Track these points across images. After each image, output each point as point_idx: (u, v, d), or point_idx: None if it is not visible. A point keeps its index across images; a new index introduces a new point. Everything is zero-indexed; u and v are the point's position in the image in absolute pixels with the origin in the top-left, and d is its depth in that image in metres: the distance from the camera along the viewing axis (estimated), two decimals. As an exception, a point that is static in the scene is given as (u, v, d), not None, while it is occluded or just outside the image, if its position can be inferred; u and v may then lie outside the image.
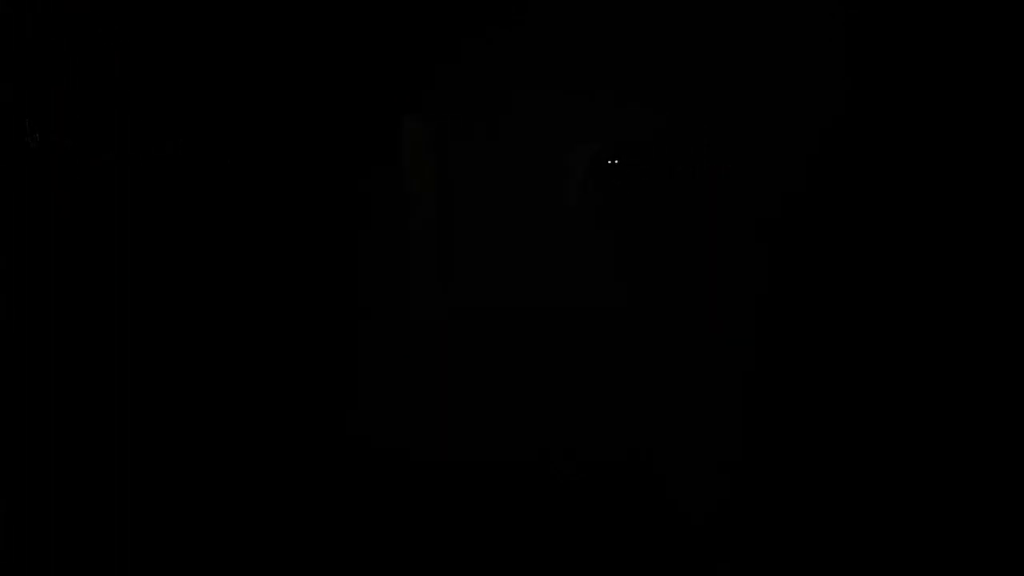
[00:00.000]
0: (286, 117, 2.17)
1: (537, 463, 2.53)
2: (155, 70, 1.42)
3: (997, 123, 0.64)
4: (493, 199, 4.36)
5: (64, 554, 1.13)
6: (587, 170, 4.53)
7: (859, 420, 0.89)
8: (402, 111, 4.16)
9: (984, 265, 0.65)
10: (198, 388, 1.60)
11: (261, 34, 1.97)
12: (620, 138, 4.49)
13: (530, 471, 2.44)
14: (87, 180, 1.20)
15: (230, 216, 1.75)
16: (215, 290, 1.67)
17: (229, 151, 1.76)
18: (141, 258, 1.34)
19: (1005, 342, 0.61)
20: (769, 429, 1.30)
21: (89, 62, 1.19)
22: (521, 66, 4.07)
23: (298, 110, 2.26)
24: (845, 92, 0.97)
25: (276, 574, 1.79)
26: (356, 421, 2.89)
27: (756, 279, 1.41)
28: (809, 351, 1.10)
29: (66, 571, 1.12)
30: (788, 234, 1.22)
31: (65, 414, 1.14)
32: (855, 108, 0.94)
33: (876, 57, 0.87)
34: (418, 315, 4.80)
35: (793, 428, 1.15)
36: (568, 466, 2.47)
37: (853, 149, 0.94)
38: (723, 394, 1.67)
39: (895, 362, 0.79)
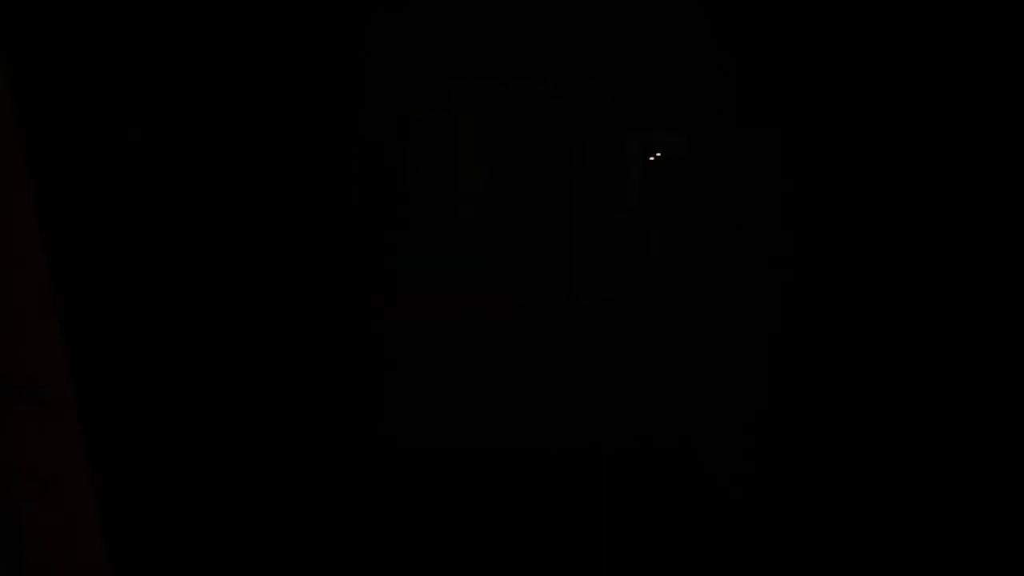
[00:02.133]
0: (340, 107, 2.09)
1: (587, 451, 2.49)
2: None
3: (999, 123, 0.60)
4: (542, 189, 4.27)
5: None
6: (637, 162, 4.45)
7: (896, 407, 0.84)
8: (455, 97, 4.03)
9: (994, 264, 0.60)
10: (234, 376, 1.51)
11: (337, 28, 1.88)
12: (673, 131, 4.40)
13: (580, 458, 2.40)
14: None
15: (268, 199, 1.66)
16: (254, 276, 1.59)
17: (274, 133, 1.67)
18: (191, 248, 1.25)
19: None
20: (805, 412, 1.27)
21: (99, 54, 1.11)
22: (576, 56, 3.96)
23: (353, 98, 2.18)
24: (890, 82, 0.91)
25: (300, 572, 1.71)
26: (393, 416, 2.82)
27: (795, 268, 1.38)
28: (845, 337, 1.06)
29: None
30: (823, 223, 1.17)
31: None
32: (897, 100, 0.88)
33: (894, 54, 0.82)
34: (467, 305, 4.68)
35: (827, 414, 1.11)
36: (618, 453, 2.44)
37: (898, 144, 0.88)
38: (763, 381, 1.65)
39: (936, 349, 0.75)
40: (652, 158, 3.83)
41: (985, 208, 0.65)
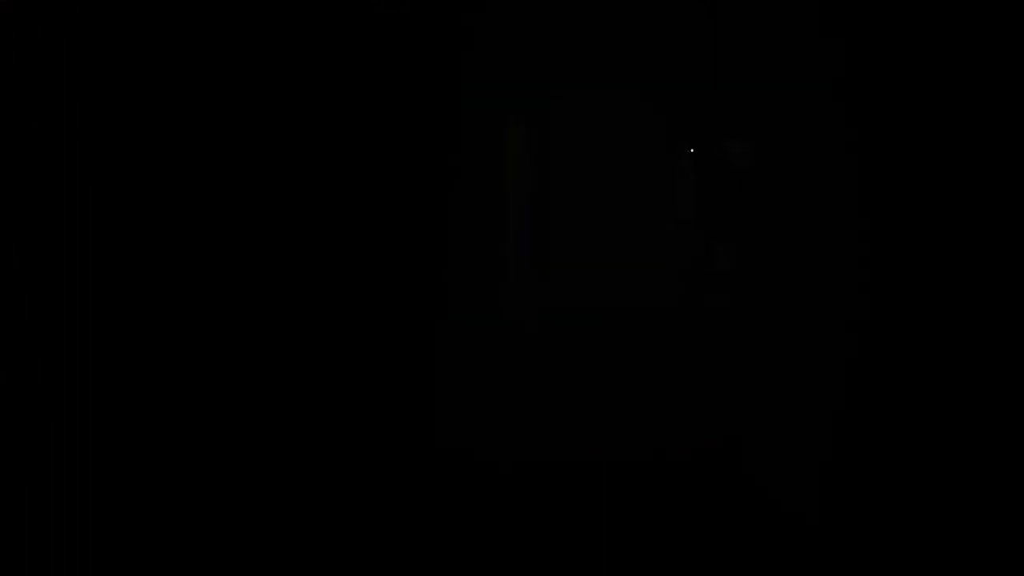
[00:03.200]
0: (391, 111, 2.09)
1: (641, 464, 2.50)
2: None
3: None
4: (593, 198, 4.13)
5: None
6: (687, 169, 4.33)
7: (975, 417, 0.83)
8: (504, 108, 3.92)
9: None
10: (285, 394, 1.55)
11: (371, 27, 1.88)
12: (736, 138, 4.25)
13: (635, 472, 2.42)
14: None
15: (320, 214, 1.69)
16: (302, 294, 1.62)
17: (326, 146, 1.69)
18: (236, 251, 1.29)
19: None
20: (873, 431, 1.27)
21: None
22: (626, 61, 3.82)
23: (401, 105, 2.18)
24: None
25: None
26: (445, 429, 2.84)
27: (864, 273, 1.37)
28: (919, 350, 1.04)
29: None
30: (897, 229, 1.15)
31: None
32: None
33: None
34: (512, 315, 4.53)
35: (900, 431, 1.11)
36: (673, 465, 2.45)
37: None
38: (827, 392, 1.65)
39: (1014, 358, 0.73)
40: (690, 151, 3.62)
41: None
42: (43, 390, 1.04)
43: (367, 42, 2.27)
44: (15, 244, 0.99)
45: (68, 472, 1.15)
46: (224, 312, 1.59)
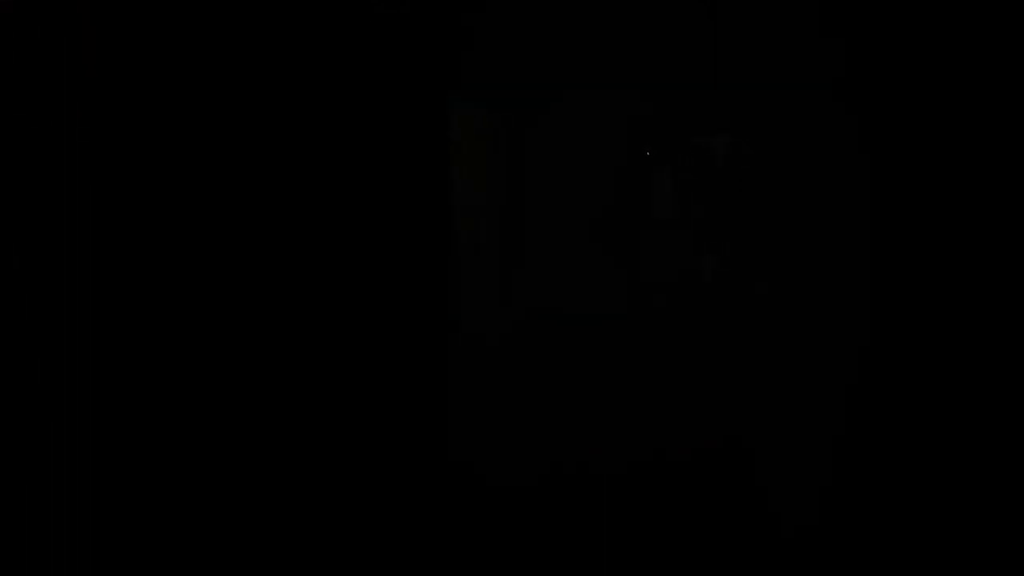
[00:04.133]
0: (302, 101, 2.08)
1: (634, 470, 2.49)
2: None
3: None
4: (567, 200, 4.12)
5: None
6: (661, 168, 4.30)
7: (985, 420, 0.83)
8: (450, 96, 3.86)
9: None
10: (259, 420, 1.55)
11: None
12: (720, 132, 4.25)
13: (633, 477, 2.41)
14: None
15: (238, 218, 1.69)
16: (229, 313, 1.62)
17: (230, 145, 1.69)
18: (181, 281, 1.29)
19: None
20: (881, 431, 1.26)
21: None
22: (619, 61, 3.79)
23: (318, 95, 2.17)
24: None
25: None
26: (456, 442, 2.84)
27: (868, 268, 1.36)
28: (928, 346, 1.04)
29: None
30: (901, 222, 1.15)
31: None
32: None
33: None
34: (475, 328, 4.52)
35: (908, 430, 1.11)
36: (669, 470, 2.44)
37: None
38: (832, 393, 1.63)
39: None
40: (648, 154, 3.60)
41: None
42: (43, 390, 1.04)
43: (367, 41, 2.26)
44: (15, 244, 0.99)
45: (68, 473, 1.15)
46: (215, 311, 1.59)
